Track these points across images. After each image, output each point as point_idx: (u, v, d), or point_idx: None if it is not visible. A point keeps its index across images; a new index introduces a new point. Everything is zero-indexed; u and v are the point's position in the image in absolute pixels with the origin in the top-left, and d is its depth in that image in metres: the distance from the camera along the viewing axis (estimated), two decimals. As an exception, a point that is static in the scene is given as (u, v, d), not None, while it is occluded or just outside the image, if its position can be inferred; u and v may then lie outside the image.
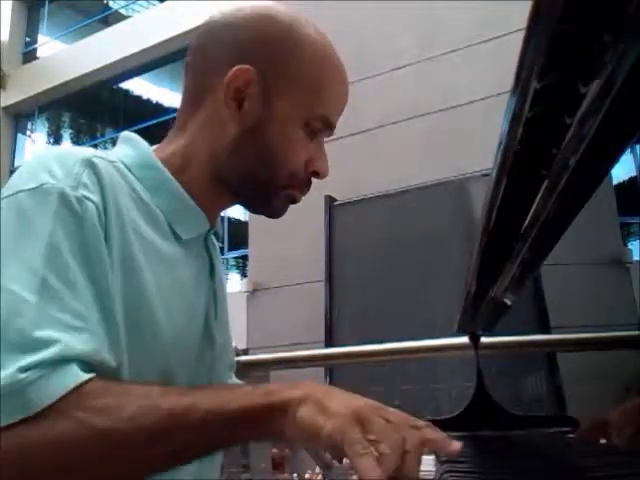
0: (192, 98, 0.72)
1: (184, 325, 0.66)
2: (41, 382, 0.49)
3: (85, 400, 0.50)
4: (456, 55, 6.01)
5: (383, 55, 6.35)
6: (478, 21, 5.88)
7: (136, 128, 10.79)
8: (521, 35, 0.40)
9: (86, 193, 0.58)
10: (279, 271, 6.53)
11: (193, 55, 0.72)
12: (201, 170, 0.70)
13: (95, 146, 11.61)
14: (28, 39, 12.74)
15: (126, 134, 0.74)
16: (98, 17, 12.01)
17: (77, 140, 12.16)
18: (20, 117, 12.29)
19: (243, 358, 2.13)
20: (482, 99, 5.50)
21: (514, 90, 0.46)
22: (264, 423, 0.52)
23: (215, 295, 0.74)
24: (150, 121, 10.50)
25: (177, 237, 0.68)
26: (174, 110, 10.76)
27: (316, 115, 0.69)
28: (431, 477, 0.70)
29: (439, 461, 0.74)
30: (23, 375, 0.48)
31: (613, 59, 0.36)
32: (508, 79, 0.46)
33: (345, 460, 0.55)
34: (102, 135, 11.93)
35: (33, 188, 0.57)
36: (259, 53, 0.68)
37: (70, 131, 12.40)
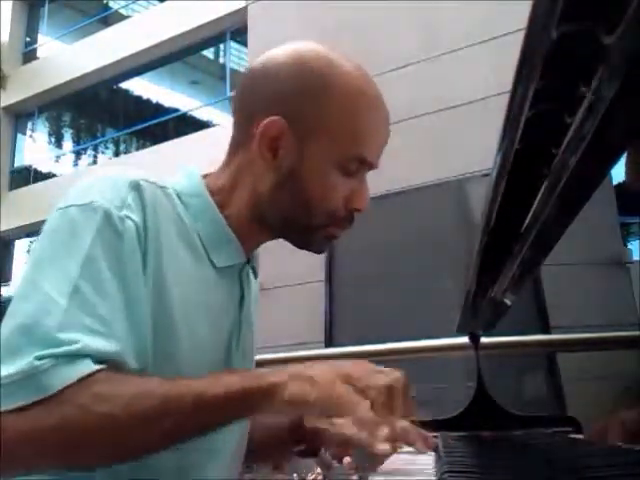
0: (235, 140, 0.76)
1: (206, 349, 0.70)
2: (54, 370, 0.53)
3: (89, 388, 0.54)
4: (456, 55, 6.01)
5: (383, 55, 6.35)
6: (478, 21, 5.88)
7: (136, 128, 10.79)
8: (521, 35, 0.40)
9: (129, 213, 0.64)
10: (279, 271, 6.53)
11: (235, 102, 0.77)
12: (242, 210, 0.74)
13: (95, 146, 11.62)
14: (28, 39, 12.74)
15: (186, 167, 0.78)
16: (98, 17, 12.00)
17: (77, 140, 12.16)
18: (20, 117, 12.28)
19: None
20: (482, 99, 5.50)
21: (514, 90, 0.46)
22: (253, 404, 0.57)
23: (240, 326, 0.77)
24: (150, 121, 10.50)
25: (212, 264, 0.72)
26: (174, 110, 10.78)
27: (351, 157, 0.70)
28: (431, 477, 0.70)
29: (439, 460, 0.74)
30: (38, 362, 0.53)
31: (613, 59, 0.36)
32: (508, 79, 0.46)
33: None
34: (102, 135, 11.92)
35: (84, 204, 0.63)
36: (290, 102, 0.70)
37: (70, 131, 12.40)
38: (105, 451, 0.56)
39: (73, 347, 0.54)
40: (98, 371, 0.55)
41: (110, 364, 0.57)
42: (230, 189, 0.74)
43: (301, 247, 0.77)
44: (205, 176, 0.77)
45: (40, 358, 0.53)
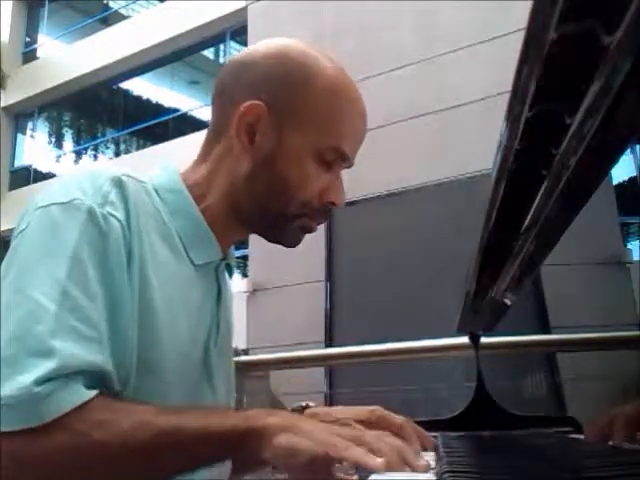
0: (214, 131, 0.76)
1: (186, 347, 0.69)
2: (51, 397, 0.53)
3: (86, 414, 0.54)
4: (456, 55, 6.01)
5: (383, 55, 6.35)
6: (478, 21, 5.87)
7: (136, 128, 10.79)
8: (521, 35, 0.40)
9: (112, 210, 0.62)
10: (279, 271, 6.53)
11: (215, 91, 0.77)
12: (218, 201, 0.74)
13: (96, 146, 11.61)
14: (28, 39, 12.74)
15: (164, 162, 0.78)
16: (98, 17, 12.01)
17: (78, 140, 12.16)
18: (20, 117, 12.28)
19: (243, 358, 2.13)
20: (482, 99, 5.50)
21: (514, 90, 0.46)
22: (243, 445, 0.56)
23: (218, 324, 0.76)
24: (150, 121, 10.50)
25: (191, 261, 0.72)
26: (174, 110, 10.78)
27: (327, 147, 0.71)
28: (431, 477, 0.70)
29: (439, 460, 0.74)
30: (38, 388, 0.52)
31: (613, 59, 0.36)
32: (508, 79, 0.46)
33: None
34: (102, 135, 11.93)
35: (65, 202, 0.61)
36: (270, 89, 0.71)
37: (70, 131, 12.40)
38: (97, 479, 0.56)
39: (67, 359, 0.54)
40: (94, 397, 0.55)
41: (100, 376, 0.57)
42: (208, 181, 0.74)
43: (275, 240, 0.76)
44: (185, 171, 0.77)
45: (39, 382, 0.52)
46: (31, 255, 0.59)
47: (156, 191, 0.71)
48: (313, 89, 0.70)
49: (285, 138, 0.70)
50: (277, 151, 0.70)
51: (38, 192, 0.65)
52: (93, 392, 0.55)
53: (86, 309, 0.57)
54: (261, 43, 0.76)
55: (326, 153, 0.71)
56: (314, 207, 0.73)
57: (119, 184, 0.65)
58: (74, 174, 0.66)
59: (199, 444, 0.56)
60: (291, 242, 0.76)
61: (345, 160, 0.74)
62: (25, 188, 11.11)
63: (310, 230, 0.76)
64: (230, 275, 0.83)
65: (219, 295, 0.78)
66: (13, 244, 0.62)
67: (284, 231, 0.74)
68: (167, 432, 0.55)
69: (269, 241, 0.77)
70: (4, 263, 0.63)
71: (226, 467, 0.78)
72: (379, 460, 0.52)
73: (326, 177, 0.72)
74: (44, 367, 0.53)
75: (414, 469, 0.56)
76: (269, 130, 0.70)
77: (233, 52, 9.76)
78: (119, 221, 0.62)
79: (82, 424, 0.54)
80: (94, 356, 0.56)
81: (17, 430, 0.52)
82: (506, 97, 0.48)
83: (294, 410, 0.88)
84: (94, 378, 0.57)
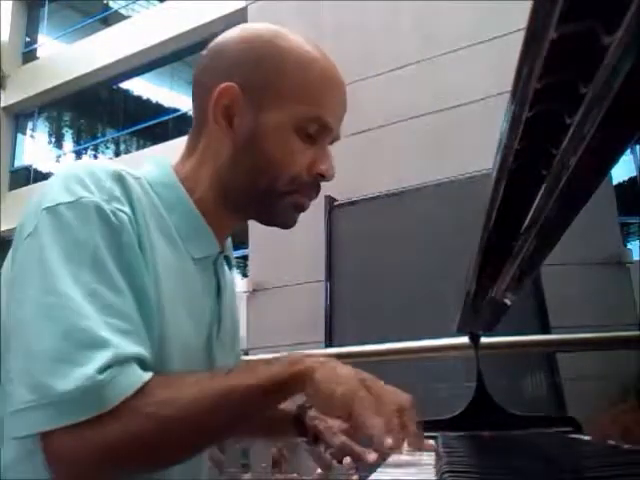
0: (196, 125, 0.75)
1: (190, 343, 0.70)
2: (114, 382, 0.55)
3: (149, 395, 0.57)
4: (456, 55, 6.01)
5: (383, 55, 6.35)
6: (478, 21, 5.88)
7: (136, 128, 10.79)
8: (521, 35, 0.40)
9: (119, 206, 0.63)
10: (279, 271, 6.53)
11: (193, 83, 0.76)
12: (207, 191, 0.74)
13: (96, 146, 11.61)
14: (28, 39, 12.75)
15: (153, 156, 0.78)
16: (98, 17, 12.01)
17: (78, 140, 12.16)
18: (20, 117, 12.28)
19: (243, 358, 2.12)
20: (482, 99, 5.50)
21: (514, 90, 0.46)
22: (290, 388, 0.62)
23: (220, 317, 0.77)
24: (150, 121, 10.50)
25: (190, 255, 0.72)
26: (174, 110, 10.78)
27: (307, 118, 0.70)
28: (431, 476, 0.70)
29: (439, 460, 0.74)
30: (101, 376, 0.54)
31: (613, 59, 0.36)
32: (508, 79, 0.46)
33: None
34: (102, 135, 11.92)
35: (71, 201, 0.61)
36: (244, 71, 0.70)
37: (70, 131, 12.40)
38: (172, 450, 0.60)
39: (115, 350, 0.56)
40: (150, 378, 0.58)
41: (142, 364, 0.59)
42: (196, 174, 0.74)
43: (268, 221, 0.76)
44: (174, 166, 0.76)
45: (101, 371, 0.54)
46: (50, 258, 0.59)
47: (151, 186, 0.71)
48: (287, 64, 0.70)
49: (263, 116, 0.70)
50: (257, 130, 0.70)
51: (36, 193, 0.65)
52: (148, 374, 0.58)
53: (117, 304, 0.59)
54: (233, 30, 0.75)
55: (308, 126, 0.70)
56: (303, 181, 0.72)
57: (120, 180, 0.65)
58: (70, 172, 0.65)
59: (253, 397, 0.60)
60: (285, 221, 0.75)
61: (329, 131, 0.73)
62: (25, 188, 11.11)
63: (303, 207, 0.74)
64: (229, 267, 0.83)
65: (219, 289, 0.77)
66: (22, 246, 0.61)
67: (274, 209, 0.73)
68: (224, 394, 0.59)
69: (264, 224, 0.76)
70: (5, 264, 0.63)
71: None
72: (388, 440, 0.58)
73: (312, 151, 0.72)
74: (101, 357, 0.55)
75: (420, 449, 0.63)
76: (246, 110, 0.70)
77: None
78: (127, 216, 0.63)
79: (146, 404, 0.56)
80: (137, 347, 0.58)
81: (83, 421, 0.54)
82: (506, 97, 0.48)
83: (298, 407, 0.89)
84: (141, 367, 0.59)
